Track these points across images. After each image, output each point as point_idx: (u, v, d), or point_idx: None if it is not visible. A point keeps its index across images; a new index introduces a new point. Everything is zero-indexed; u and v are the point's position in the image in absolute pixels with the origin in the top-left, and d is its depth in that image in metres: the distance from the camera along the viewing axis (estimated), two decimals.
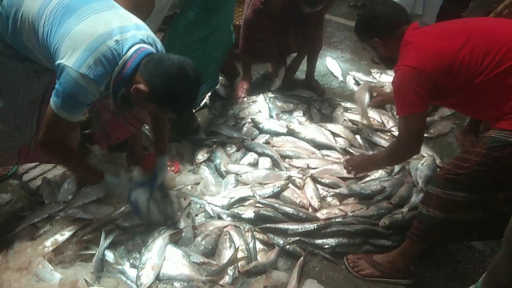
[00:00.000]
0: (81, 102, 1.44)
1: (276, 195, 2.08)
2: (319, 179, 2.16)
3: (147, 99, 1.44)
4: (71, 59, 1.35)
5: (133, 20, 1.49)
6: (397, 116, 1.89)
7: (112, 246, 1.75)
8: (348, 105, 2.83)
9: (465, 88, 1.51)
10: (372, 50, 1.84)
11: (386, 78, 3.15)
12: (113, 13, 1.44)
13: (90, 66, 1.35)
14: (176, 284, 1.53)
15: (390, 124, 2.62)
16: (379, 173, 2.22)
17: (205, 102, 2.84)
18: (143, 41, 1.45)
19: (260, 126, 2.52)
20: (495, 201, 1.52)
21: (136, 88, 1.41)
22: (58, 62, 1.37)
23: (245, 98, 2.88)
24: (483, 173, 1.45)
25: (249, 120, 2.59)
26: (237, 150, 2.41)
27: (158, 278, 1.60)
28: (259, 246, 1.88)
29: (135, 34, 1.44)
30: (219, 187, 2.17)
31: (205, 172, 2.27)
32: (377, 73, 3.25)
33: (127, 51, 1.40)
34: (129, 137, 2.08)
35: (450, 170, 1.50)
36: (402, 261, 1.74)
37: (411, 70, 1.52)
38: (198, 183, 2.18)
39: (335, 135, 2.49)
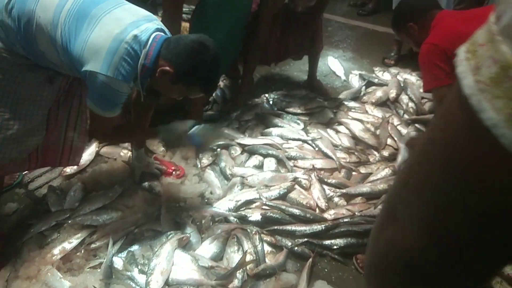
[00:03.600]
0: (115, 102, 1.50)
1: (283, 196, 2.07)
2: (326, 180, 2.15)
3: (173, 80, 1.48)
4: (97, 64, 1.38)
5: (142, 12, 1.52)
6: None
7: (120, 253, 1.75)
8: (352, 104, 2.82)
9: None
10: (408, 39, 2.09)
11: (388, 77, 3.14)
12: (122, 9, 1.47)
13: (117, 67, 1.39)
14: None
15: (395, 121, 2.61)
16: (385, 172, 2.21)
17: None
18: (157, 30, 1.50)
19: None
20: None
21: (161, 70, 1.46)
22: (84, 69, 1.41)
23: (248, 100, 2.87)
24: None
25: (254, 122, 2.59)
26: (242, 153, 2.41)
27: (167, 283, 1.59)
28: (267, 248, 1.86)
29: (148, 26, 1.47)
30: (225, 191, 2.17)
31: (211, 175, 2.26)
32: (380, 71, 3.23)
33: (145, 42, 1.44)
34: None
35: None
36: None
37: (430, 47, 1.73)
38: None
39: (339, 134, 2.48)
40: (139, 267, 1.67)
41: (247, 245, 1.80)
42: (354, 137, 2.47)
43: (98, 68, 1.38)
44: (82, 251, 1.78)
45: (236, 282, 1.66)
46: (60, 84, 1.65)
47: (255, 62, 2.77)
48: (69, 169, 2.23)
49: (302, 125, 2.59)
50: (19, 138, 1.58)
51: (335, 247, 1.87)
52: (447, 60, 1.65)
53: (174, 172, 2.23)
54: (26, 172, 2.25)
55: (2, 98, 1.51)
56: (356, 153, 2.34)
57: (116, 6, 1.47)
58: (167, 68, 1.45)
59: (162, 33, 1.52)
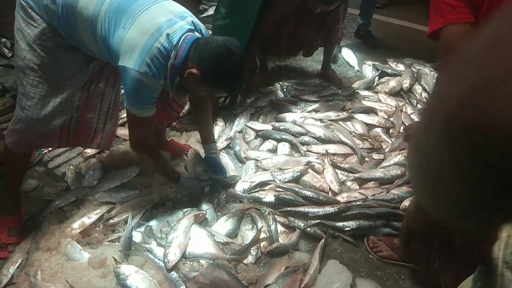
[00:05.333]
0: (147, 97, 1.57)
1: (296, 179, 2.10)
2: (338, 164, 2.18)
3: (200, 82, 1.55)
4: (131, 60, 1.47)
5: (178, 9, 1.59)
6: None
7: (138, 228, 1.79)
8: (365, 93, 2.84)
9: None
10: None
11: (402, 67, 3.14)
12: (159, 6, 1.54)
13: (149, 64, 1.47)
14: (202, 261, 1.57)
15: (408, 110, 2.62)
16: (398, 158, 2.22)
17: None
18: (189, 30, 1.57)
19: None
20: None
21: (189, 72, 1.52)
22: (120, 64, 1.50)
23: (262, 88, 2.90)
24: None
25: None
26: (255, 138, 2.45)
27: (184, 256, 1.63)
28: (280, 228, 1.90)
29: (182, 25, 1.54)
30: (240, 173, 2.20)
31: (225, 158, 2.30)
32: (393, 62, 3.24)
33: (177, 42, 1.51)
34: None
35: None
36: None
37: None
38: None
39: (353, 120, 2.50)
40: (157, 240, 1.71)
41: (261, 224, 1.83)
42: (367, 124, 2.49)
43: (131, 64, 1.46)
44: (101, 226, 1.83)
45: (250, 258, 1.70)
46: (95, 66, 1.73)
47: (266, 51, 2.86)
48: (89, 150, 2.28)
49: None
50: (52, 114, 1.64)
51: (347, 228, 1.90)
52: None
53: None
54: (45, 151, 2.31)
55: (42, 75, 1.58)
56: (369, 140, 2.36)
57: (154, 3, 1.53)
58: (194, 70, 1.52)
59: (193, 33, 1.58)
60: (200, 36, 1.60)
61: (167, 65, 1.53)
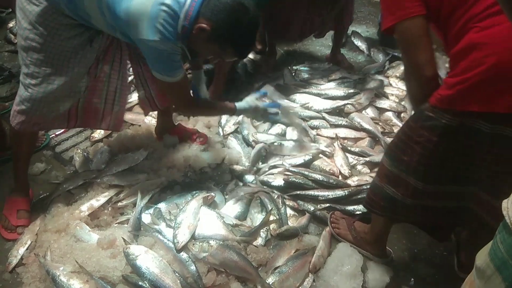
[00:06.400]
0: (170, 63, 1.52)
1: (307, 164, 2.07)
2: (349, 148, 2.15)
3: (209, 39, 1.47)
4: (143, 31, 1.42)
5: None
6: None
7: (147, 209, 1.78)
8: (376, 77, 2.78)
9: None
10: None
11: None
12: None
13: (160, 31, 1.41)
14: (212, 242, 1.55)
15: None
16: None
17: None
18: None
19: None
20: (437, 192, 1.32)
21: (198, 27, 1.44)
22: (134, 38, 1.46)
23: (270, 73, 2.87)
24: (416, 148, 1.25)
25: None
26: (264, 122, 2.41)
27: (193, 237, 1.62)
28: (289, 212, 1.88)
29: None
30: (248, 157, 2.18)
31: (233, 142, 2.28)
32: None
33: (184, 3, 1.43)
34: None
35: (393, 141, 1.36)
36: (371, 235, 1.64)
37: None
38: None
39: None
40: (166, 222, 1.70)
41: (270, 206, 1.81)
42: (378, 108, 2.45)
43: (144, 35, 1.42)
44: (109, 209, 1.83)
45: (259, 240, 1.68)
46: (100, 43, 1.67)
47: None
48: (97, 134, 2.28)
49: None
50: (58, 93, 1.61)
51: (357, 212, 1.87)
52: None
53: (197, 139, 2.25)
54: (52, 135, 2.30)
55: (46, 54, 1.55)
56: (380, 124, 2.32)
57: None
58: (204, 25, 1.43)
59: None
60: None
61: (177, 26, 1.44)
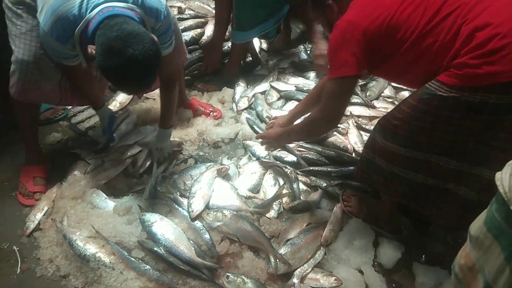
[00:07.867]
0: (54, 54, 1.49)
1: (320, 140, 2.07)
2: (364, 126, 2.14)
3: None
4: (41, 15, 1.37)
5: None
6: None
7: (162, 180, 1.80)
8: None
9: (399, 50, 1.29)
10: (322, 20, 1.59)
11: None
12: None
13: (52, 26, 1.35)
14: (226, 212, 1.57)
15: None
16: None
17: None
18: (122, 1, 1.35)
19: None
20: (430, 168, 1.36)
21: (90, 51, 1.32)
22: (37, 15, 1.41)
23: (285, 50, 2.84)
24: (416, 128, 1.30)
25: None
26: (278, 99, 2.41)
27: (208, 207, 1.64)
28: (302, 187, 1.88)
29: None
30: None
31: (245, 124, 2.27)
32: None
33: (91, 10, 1.32)
34: None
35: (388, 120, 1.38)
36: (383, 211, 1.67)
37: (347, 25, 1.34)
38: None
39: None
40: (181, 192, 1.72)
41: (283, 180, 1.82)
42: (394, 87, 2.42)
43: (41, 20, 1.37)
44: (125, 179, 1.85)
45: (272, 212, 1.70)
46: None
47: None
48: (112, 107, 2.28)
49: None
50: (45, 57, 1.58)
51: (369, 189, 1.87)
52: (361, 43, 1.31)
53: (211, 113, 2.26)
54: (70, 107, 2.32)
55: (28, 21, 1.54)
56: (396, 102, 2.30)
57: None
58: (93, 52, 1.30)
59: (122, 8, 1.33)
60: (124, 14, 1.32)
61: (73, 33, 1.35)
